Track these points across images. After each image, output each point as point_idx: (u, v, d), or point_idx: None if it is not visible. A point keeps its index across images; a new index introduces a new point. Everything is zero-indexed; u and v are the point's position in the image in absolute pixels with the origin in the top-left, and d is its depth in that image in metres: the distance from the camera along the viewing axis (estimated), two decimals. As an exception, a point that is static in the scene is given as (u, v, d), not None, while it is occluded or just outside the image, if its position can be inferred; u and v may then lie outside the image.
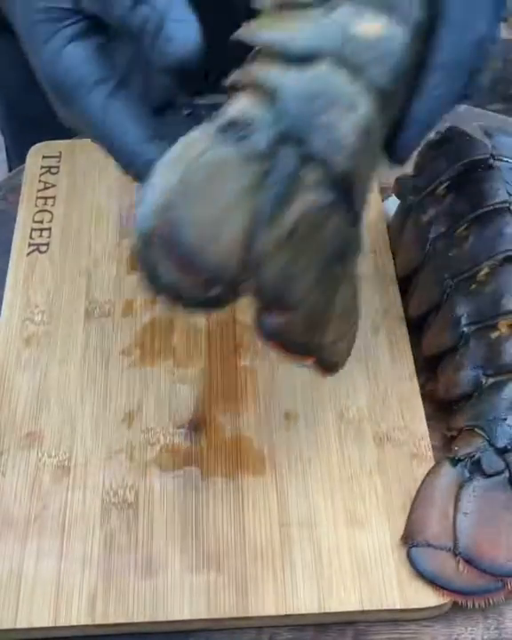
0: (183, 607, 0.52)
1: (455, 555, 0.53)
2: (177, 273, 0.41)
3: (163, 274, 0.41)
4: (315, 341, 0.46)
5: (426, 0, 0.45)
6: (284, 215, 0.41)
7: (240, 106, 0.42)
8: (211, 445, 0.59)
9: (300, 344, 0.46)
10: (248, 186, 0.40)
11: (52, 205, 0.72)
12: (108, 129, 0.48)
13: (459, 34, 0.46)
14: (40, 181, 0.74)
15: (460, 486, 0.55)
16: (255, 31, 0.45)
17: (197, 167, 0.40)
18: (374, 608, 0.52)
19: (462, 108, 0.85)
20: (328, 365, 0.49)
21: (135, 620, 0.52)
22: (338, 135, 0.41)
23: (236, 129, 0.41)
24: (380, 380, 0.62)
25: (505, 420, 0.56)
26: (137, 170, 0.47)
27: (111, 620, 0.52)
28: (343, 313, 0.48)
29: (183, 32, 0.45)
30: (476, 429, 0.56)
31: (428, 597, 0.53)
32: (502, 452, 0.55)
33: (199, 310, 0.43)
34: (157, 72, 0.48)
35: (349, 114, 0.42)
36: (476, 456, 0.55)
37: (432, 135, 0.67)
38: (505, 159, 0.64)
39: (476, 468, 0.55)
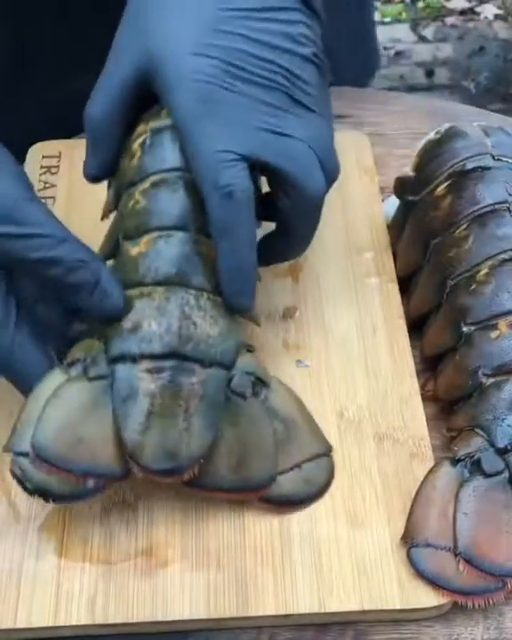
0: (183, 607, 0.52)
1: (455, 555, 0.53)
2: (57, 477, 0.52)
3: (42, 480, 0.52)
4: (236, 478, 0.54)
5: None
6: (136, 405, 0.52)
7: (82, 346, 0.55)
8: (211, 445, 0.59)
9: (223, 486, 0.54)
10: (99, 399, 0.53)
11: (52, 205, 0.72)
12: (16, 363, 0.54)
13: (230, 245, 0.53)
14: (40, 181, 0.74)
15: (460, 486, 0.55)
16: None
17: (59, 398, 0.53)
18: (374, 608, 0.52)
19: (462, 107, 0.85)
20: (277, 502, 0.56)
21: (135, 620, 0.52)
22: (148, 333, 0.53)
23: (82, 363, 0.54)
24: (380, 380, 0.62)
25: (505, 420, 0.56)
26: None
27: (111, 620, 0.52)
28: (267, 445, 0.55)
29: (117, 290, 0.53)
30: (475, 429, 0.56)
31: (427, 597, 0.53)
32: (502, 452, 0.55)
33: (78, 502, 0.54)
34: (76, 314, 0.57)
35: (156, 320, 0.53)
36: (476, 456, 0.55)
37: (432, 135, 0.67)
38: (504, 159, 0.63)
39: (476, 467, 0.55)
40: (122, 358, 0.53)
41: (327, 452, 0.57)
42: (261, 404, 0.55)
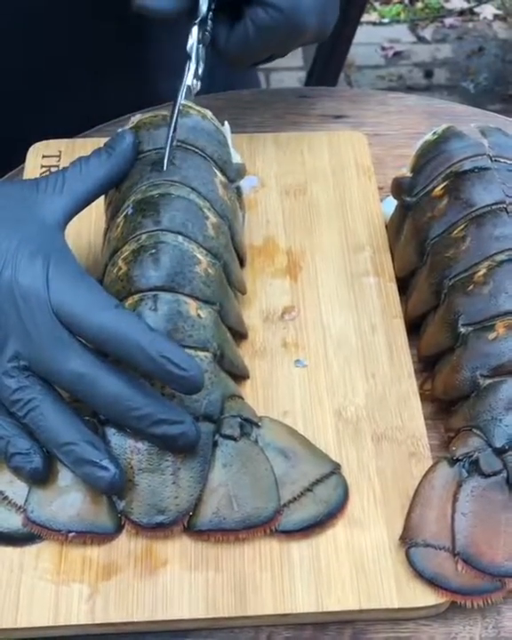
0: (182, 607, 0.53)
1: (454, 555, 0.53)
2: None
3: None
4: (239, 516, 0.54)
5: None
6: (126, 463, 0.54)
7: None
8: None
9: (228, 526, 0.54)
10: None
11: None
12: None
13: None
14: (40, 182, 0.74)
15: (459, 486, 0.55)
16: None
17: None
18: (372, 607, 0.52)
19: (461, 108, 0.85)
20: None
21: (135, 620, 0.52)
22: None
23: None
24: (379, 380, 0.62)
25: (502, 420, 0.56)
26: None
27: (111, 620, 0.52)
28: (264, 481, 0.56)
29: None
30: (473, 430, 0.56)
31: (426, 597, 0.53)
32: (500, 452, 0.55)
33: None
34: None
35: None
36: (474, 456, 0.55)
37: (429, 135, 0.67)
38: (502, 160, 0.64)
39: (474, 467, 0.55)
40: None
41: (334, 470, 0.57)
42: (253, 442, 0.56)
